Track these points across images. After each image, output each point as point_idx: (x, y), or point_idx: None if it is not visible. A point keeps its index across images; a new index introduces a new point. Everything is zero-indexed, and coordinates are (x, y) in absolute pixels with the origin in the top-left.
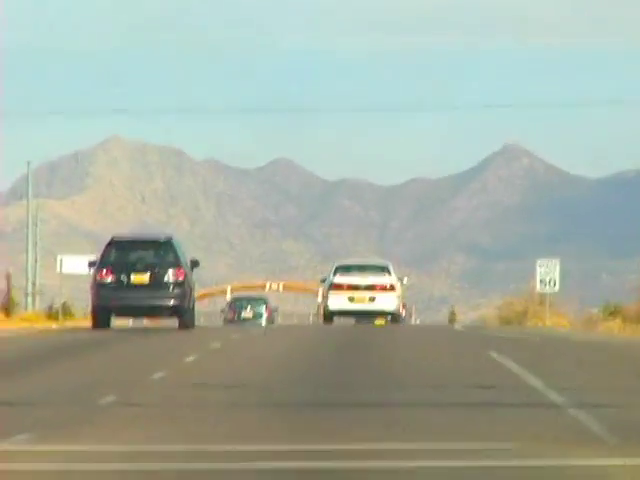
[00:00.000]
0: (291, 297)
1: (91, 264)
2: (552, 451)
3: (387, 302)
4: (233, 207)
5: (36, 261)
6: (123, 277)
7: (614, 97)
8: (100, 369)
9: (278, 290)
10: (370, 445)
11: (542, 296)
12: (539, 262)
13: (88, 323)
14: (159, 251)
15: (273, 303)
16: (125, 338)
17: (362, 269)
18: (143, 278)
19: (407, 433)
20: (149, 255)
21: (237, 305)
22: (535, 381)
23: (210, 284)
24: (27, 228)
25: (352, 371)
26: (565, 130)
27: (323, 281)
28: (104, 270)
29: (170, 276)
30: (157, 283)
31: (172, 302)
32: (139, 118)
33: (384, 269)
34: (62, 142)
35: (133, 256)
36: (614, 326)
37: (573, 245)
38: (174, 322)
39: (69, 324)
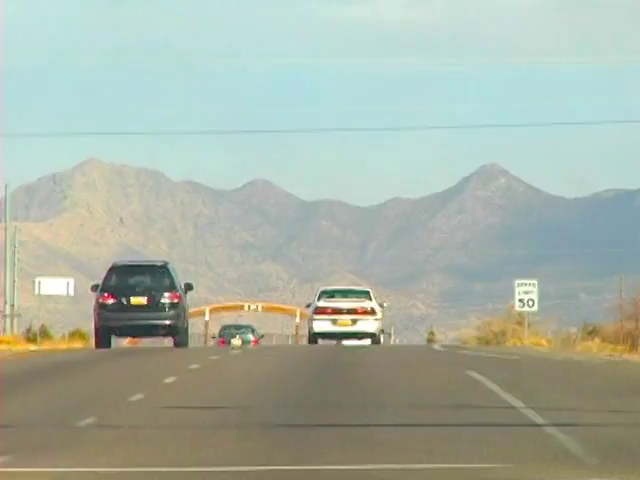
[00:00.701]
0: (270, 318)
1: (94, 288)
2: (532, 471)
3: (368, 325)
4: (211, 229)
5: (14, 283)
6: (123, 299)
7: (591, 117)
8: (79, 391)
9: (257, 311)
10: (350, 466)
11: (521, 316)
12: (517, 282)
13: (66, 345)
14: (155, 276)
15: (258, 331)
16: (104, 360)
17: (345, 294)
18: (141, 300)
19: (387, 454)
20: (147, 279)
21: (227, 333)
22: (514, 401)
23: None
24: (5, 250)
25: (331, 392)
26: (543, 150)
27: (308, 306)
28: (106, 293)
29: (166, 298)
30: (154, 305)
31: (168, 322)
32: (117, 140)
33: (365, 294)
34: (40, 164)
35: (132, 280)
36: (592, 346)
37: (551, 265)
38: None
39: (47, 346)
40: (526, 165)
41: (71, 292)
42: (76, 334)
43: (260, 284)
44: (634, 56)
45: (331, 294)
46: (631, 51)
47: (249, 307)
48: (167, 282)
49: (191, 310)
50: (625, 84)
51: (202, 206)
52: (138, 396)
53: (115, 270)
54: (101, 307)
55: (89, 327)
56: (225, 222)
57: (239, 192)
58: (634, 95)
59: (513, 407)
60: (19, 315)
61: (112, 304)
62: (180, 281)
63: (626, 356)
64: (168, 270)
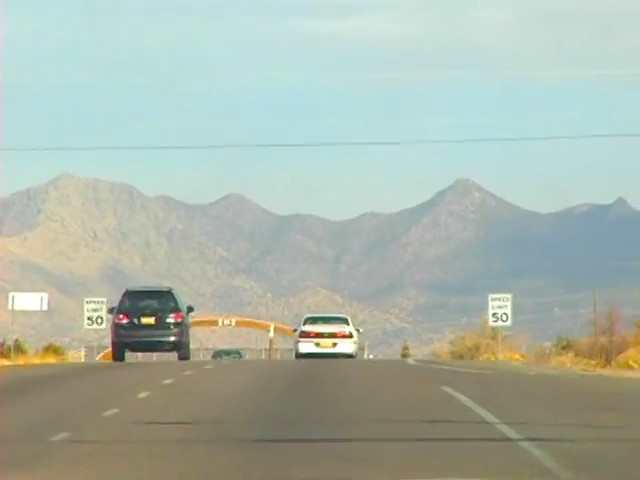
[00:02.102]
0: (244, 333)
1: (110, 310)
2: None
3: (346, 347)
4: (185, 243)
5: None
6: (135, 319)
7: (565, 132)
8: (53, 406)
9: (230, 326)
10: None
11: (495, 330)
12: (491, 297)
13: (40, 360)
14: (162, 299)
15: (244, 354)
16: (78, 375)
17: (326, 320)
18: (150, 320)
19: (362, 469)
20: (155, 302)
21: (217, 356)
22: (488, 416)
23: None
24: None
25: (305, 406)
26: (517, 165)
27: (295, 330)
28: (120, 314)
29: (171, 318)
30: (161, 324)
31: (172, 338)
32: (91, 155)
33: (344, 320)
34: (14, 179)
35: (142, 303)
36: (567, 360)
37: (525, 279)
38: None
39: (21, 361)
40: (500, 180)
41: (45, 307)
42: (50, 349)
43: (234, 299)
44: (609, 70)
45: (314, 320)
46: (606, 65)
47: (223, 322)
48: (172, 305)
49: None
50: (600, 98)
51: (176, 221)
52: (112, 411)
53: (128, 295)
54: (117, 326)
55: (63, 341)
56: (199, 237)
57: (213, 207)
58: (609, 110)
59: (487, 422)
60: None
61: (126, 323)
62: (184, 304)
63: (600, 371)
64: (173, 295)
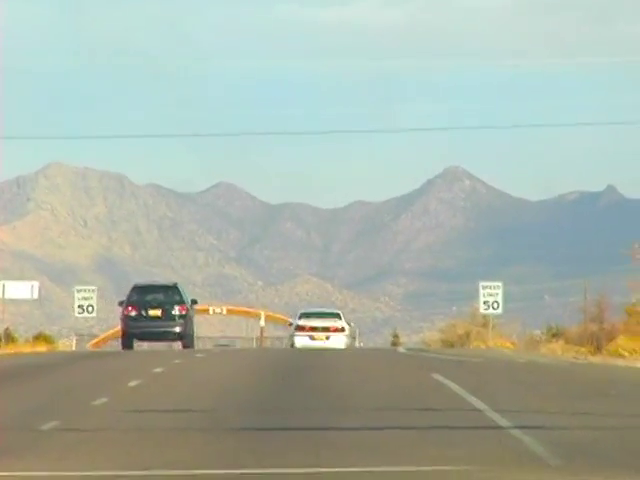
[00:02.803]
0: (234, 321)
1: (120, 303)
2: (497, 473)
3: (339, 341)
4: (175, 231)
5: None
6: (143, 311)
7: (556, 120)
8: (43, 395)
9: (221, 314)
10: (315, 469)
11: (485, 318)
12: (482, 284)
13: (30, 348)
14: (168, 293)
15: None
16: (68, 363)
17: (320, 315)
18: (157, 312)
19: (353, 456)
20: (161, 296)
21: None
22: (479, 403)
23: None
24: None
25: (296, 394)
26: (507, 153)
27: (290, 324)
28: (129, 307)
29: (176, 310)
30: (167, 315)
31: (177, 329)
32: (80, 143)
33: (337, 315)
34: (3, 167)
35: (149, 297)
36: (557, 348)
37: (516, 267)
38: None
39: (11, 350)
40: (490, 167)
41: (35, 295)
42: (40, 337)
43: (224, 287)
44: (600, 58)
45: (309, 315)
46: (597, 53)
47: (214, 310)
48: (177, 298)
49: None
50: (591, 86)
51: (166, 209)
52: (102, 399)
53: (136, 289)
54: (126, 317)
55: (53, 330)
56: (189, 225)
57: (203, 195)
58: (599, 97)
59: (478, 410)
60: None
61: (134, 315)
62: (188, 297)
63: (590, 358)
64: (178, 289)
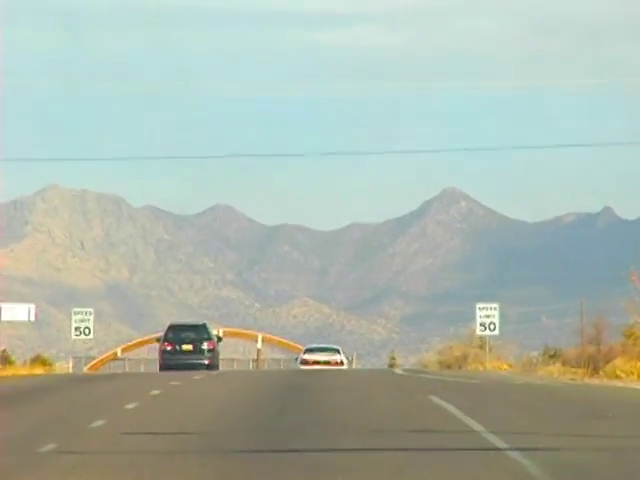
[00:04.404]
0: (231, 343)
1: (158, 339)
2: None
3: None
4: (172, 254)
5: None
6: (177, 347)
7: (553, 141)
8: (41, 417)
9: (218, 336)
10: None
11: (482, 340)
12: (479, 305)
13: (27, 371)
14: (198, 331)
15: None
16: (66, 386)
17: (322, 350)
18: (189, 347)
19: (350, 478)
20: (192, 333)
21: None
22: (476, 425)
23: (149, 331)
24: None
25: (293, 416)
26: (504, 174)
27: (296, 359)
28: (166, 342)
29: (205, 346)
30: (197, 350)
31: (206, 361)
32: (77, 166)
33: (337, 350)
34: (0, 190)
35: (183, 334)
36: (554, 370)
37: (513, 288)
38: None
39: (9, 373)
40: (487, 189)
41: (32, 317)
42: (37, 360)
43: (221, 309)
44: (595, 80)
45: (312, 350)
46: (595, 75)
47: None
48: (206, 335)
49: (152, 336)
50: (586, 108)
51: (163, 231)
52: (99, 422)
53: (171, 328)
54: (163, 352)
55: (50, 352)
56: (186, 247)
57: (200, 217)
58: (595, 119)
59: (475, 431)
60: None
61: (170, 350)
62: (214, 335)
63: (587, 380)
64: (206, 327)
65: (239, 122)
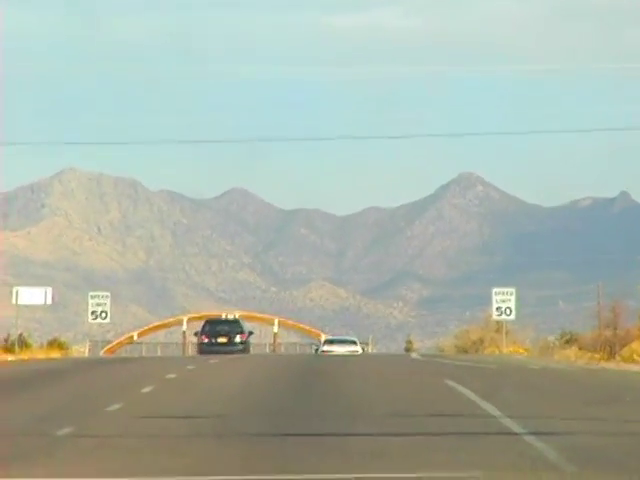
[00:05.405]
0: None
1: (195, 333)
2: (510, 479)
3: None
4: (189, 237)
5: None
6: (213, 339)
7: (569, 126)
8: (57, 401)
9: (250, 330)
10: (327, 475)
11: (499, 324)
12: (495, 290)
13: (44, 354)
14: (232, 325)
15: None
16: (82, 369)
17: (340, 342)
18: (224, 339)
19: (365, 463)
20: (226, 327)
21: None
22: (492, 409)
23: (166, 315)
24: None
25: (309, 400)
26: (520, 158)
27: (316, 350)
28: (203, 335)
29: (238, 338)
30: (231, 342)
31: (239, 353)
32: (95, 149)
33: (354, 342)
34: (18, 173)
35: (218, 328)
36: (570, 354)
37: (529, 273)
38: None
39: (25, 356)
40: (504, 173)
41: (49, 301)
42: (54, 343)
43: (238, 292)
44: (616, 64)
45: (331, 341)
46: (613, 59)
47: (227, 316)
48: (239, 329)
49: (169, 319)
50: (603, 93)
51: (180, 215)
52: (116, 405)
53: (208, 322)
54: (201, 344)
55: (67, 336)
56: (203, 231)
57: (217, 201)
58: (612, 103)
59: (491, 416)
60: None
61: (207, 342)
62: (247, 328)
63: (604, 364)
64: (239, 322)
65: (256, 106)
